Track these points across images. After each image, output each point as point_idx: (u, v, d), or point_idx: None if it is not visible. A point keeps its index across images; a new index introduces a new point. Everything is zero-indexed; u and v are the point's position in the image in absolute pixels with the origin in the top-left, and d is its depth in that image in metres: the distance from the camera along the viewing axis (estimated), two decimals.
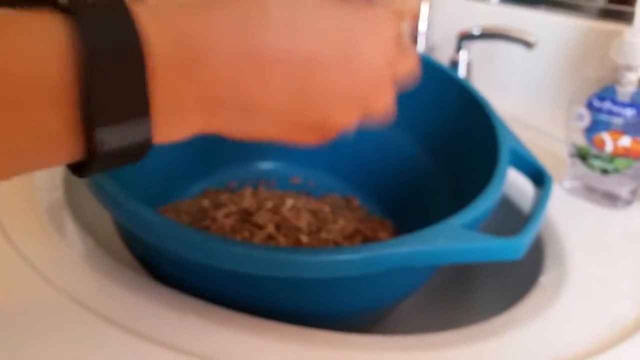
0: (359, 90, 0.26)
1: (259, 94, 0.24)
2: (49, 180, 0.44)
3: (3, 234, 0.37)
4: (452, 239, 0.31)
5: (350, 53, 0.26)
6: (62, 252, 0.36)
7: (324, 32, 0.25)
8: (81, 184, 0.33)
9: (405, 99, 0.49)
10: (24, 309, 0.31)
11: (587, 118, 0.46)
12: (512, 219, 0.46)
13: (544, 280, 0.39)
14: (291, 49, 0.24)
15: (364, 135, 0.51)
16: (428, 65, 0.47)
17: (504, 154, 0.38)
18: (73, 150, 0.22)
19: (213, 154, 0.51)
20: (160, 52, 0.22)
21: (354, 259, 0.29)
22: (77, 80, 0.20)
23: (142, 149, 0.23)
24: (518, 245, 0.32)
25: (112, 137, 0.21)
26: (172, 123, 0.23)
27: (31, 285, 0.33)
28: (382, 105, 0.28)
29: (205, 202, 0.46)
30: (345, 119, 0.27)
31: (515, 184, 0.47)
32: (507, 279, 0.43)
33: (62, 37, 0.20)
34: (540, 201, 0.36)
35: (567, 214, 0.45)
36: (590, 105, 0.46)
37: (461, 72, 0.56)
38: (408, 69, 0.30)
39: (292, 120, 0.26)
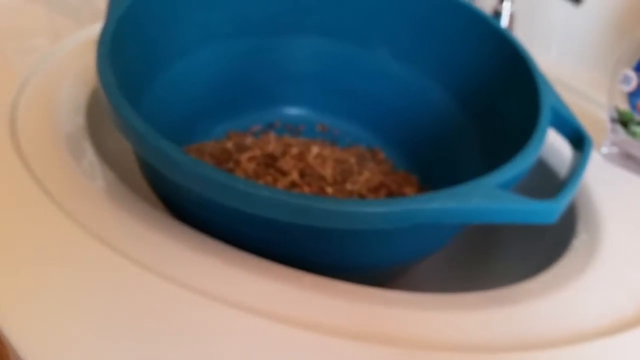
0: None
1: None
2: (71, 109, 0.43)
3: (23, 161, 0.36)
4: (485, 198, 0.30)
5: None
6: (82, 183, 0.35)
7: None
8: (104, 115, 0.32)
9: (442, 49, 0.47)
10: (40, 240, 0.31)
11: (634, 81, 0.43)
12: (543, 181, 0.45)
13: (574, 247, 0.38)
14: None
15: (394, 85, 0.50)
16: (468, 14, 0.44)
17: (546, 113, 0.36)
18: None
19: (237, 95, 0.49)
20: None
21: (383, 211, 0.28)
22: None
23: None
24: (553, 209, 0.31)
25: None
26: None
27: (48, 216, 0.32)
28: None
29: (229, 145, 0.45)
30: None
31: (551, 144, 0.45)
32: (535, 243, 0.42)
33: None
34: (579, 165, 0.34)
35: (603, 181, 0.43)
36: (639, 68, 0.43)
37: (503, 24, 0.53)
38: None
39: None
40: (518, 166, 0.32)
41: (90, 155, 0.39)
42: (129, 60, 0.38)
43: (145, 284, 0.29)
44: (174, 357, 0.26)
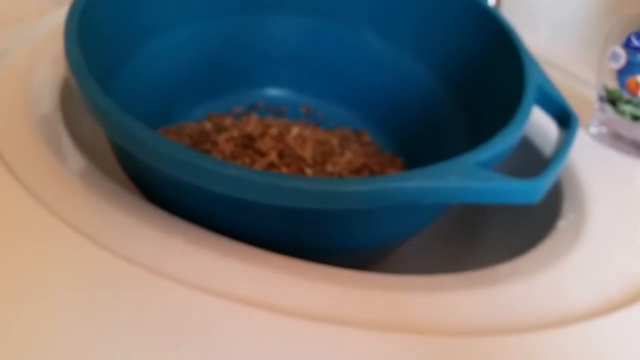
0: None
1: None
2: (45, 90, 0.42)
3: None
4: (464, 176, 0.29)
5: None
6: (53, 167, 0.34)
7: None
8: (77, 98, 0.31)
9: (427, 28, 0.46)
10: (9, 225, 0.30)
11: (623, 58, 0.42)
12: (530, 161, 0.44)
13: (560, 227, 0.37)
14: None
15: (379, 65, 0.49)
16: None
17: (530, 90, 0.35)
18: None
19: (218, 75, 0.48)
20: None
21: (356, 190, 0.27)
22: None
23: None
24: (536, 188, 0.30)
25: None
26: None
27: (19, 203, 0.31)
28: None
29: (208, 126, 0.43)
30: None
31: (537, 123, 0.44)
32: (520, 224, 0.41)
33: None
34: (564, 143, 0.33)
35: (590, 161, 0.42)
36: (628, 44, 0.42)
37: (491, 2, 0.52)
38: None
39: None
40: (499, 144, 0.31)
41: (63, 138, 0.38)
42: (101, 38, 0.37)
43: (116, 269, 0.28)
44: (143, 343, 0.25)
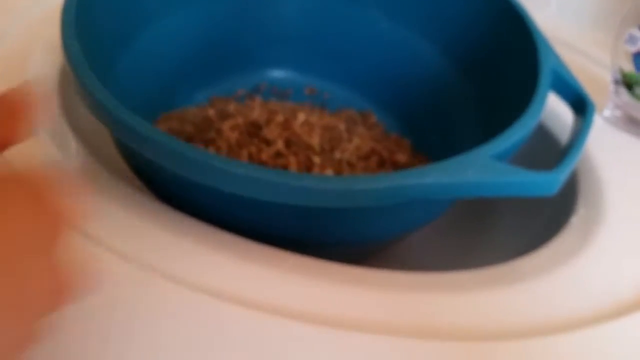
0: None
1: None
2: (42, 81, 0.40)
3: None
4: (481, 171, 0.28)
5: None
6: (54, 162, 0.33)
7: None
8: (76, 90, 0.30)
9: (434, 6, 0.44)
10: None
11: None
12: (542, 147, 0.43)
13: (575, 220, 0.36)
14: None
15: (386, 44, 0.47)
16: None
17: (545, 76, 0.34)
18: None
19: (220, 57, 0.46)
20: None
21: (372, 188, 0.26)
22: None
23: None
24: (554, 180, 0.29)
25: None
26: None
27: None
28: None
29: (211, 112, 0.42)
30: None
31: (551, 109, 0.42)
32: (534, 215, 0.40)
33: None
34: (580, 132, 0.32)
35: (606, 146, 0.41)
36: None
37: None
38: None
39: None
40: (515, 135, 0.30)
41: (63, 128, 0.37)
42: (99, 23, 0.36)
43: (121, 270, 0.27)
44: (148, 346, 0.24)
